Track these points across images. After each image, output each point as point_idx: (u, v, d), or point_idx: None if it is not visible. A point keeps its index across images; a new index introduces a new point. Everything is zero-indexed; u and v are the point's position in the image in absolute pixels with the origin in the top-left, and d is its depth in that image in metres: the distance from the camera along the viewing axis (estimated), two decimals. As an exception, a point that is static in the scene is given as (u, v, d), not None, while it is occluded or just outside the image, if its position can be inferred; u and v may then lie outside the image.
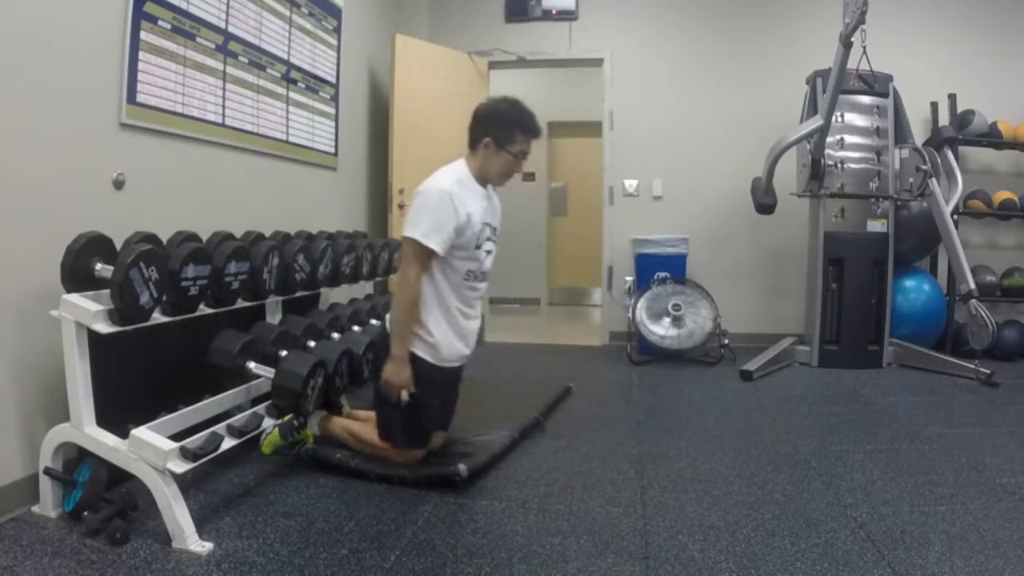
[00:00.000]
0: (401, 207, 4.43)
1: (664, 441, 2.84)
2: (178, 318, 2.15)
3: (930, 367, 4.20)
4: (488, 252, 2.41)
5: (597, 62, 5.33)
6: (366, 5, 4.52)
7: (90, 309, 1.87)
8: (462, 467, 2.28)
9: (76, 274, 1.96)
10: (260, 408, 2.38)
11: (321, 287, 3.06)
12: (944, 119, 4.86)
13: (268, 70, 3.25)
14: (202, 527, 1.92)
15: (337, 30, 3.97)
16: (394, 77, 4.54)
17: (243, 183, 3.10)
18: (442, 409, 2.48)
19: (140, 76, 2.41)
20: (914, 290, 4.52)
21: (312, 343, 2.73)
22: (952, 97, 4.86)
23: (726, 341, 4.54)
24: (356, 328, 3.11)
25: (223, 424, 2.19)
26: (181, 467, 1.90)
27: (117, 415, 2.00)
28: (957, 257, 3.99)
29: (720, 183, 5.12)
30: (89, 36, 2.22)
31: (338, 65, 3.98)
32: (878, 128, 4.40)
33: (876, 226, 4.37)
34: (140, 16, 2.40)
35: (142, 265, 1.91)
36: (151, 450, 1.87)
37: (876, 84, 4.26)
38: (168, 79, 2.56)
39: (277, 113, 3.35)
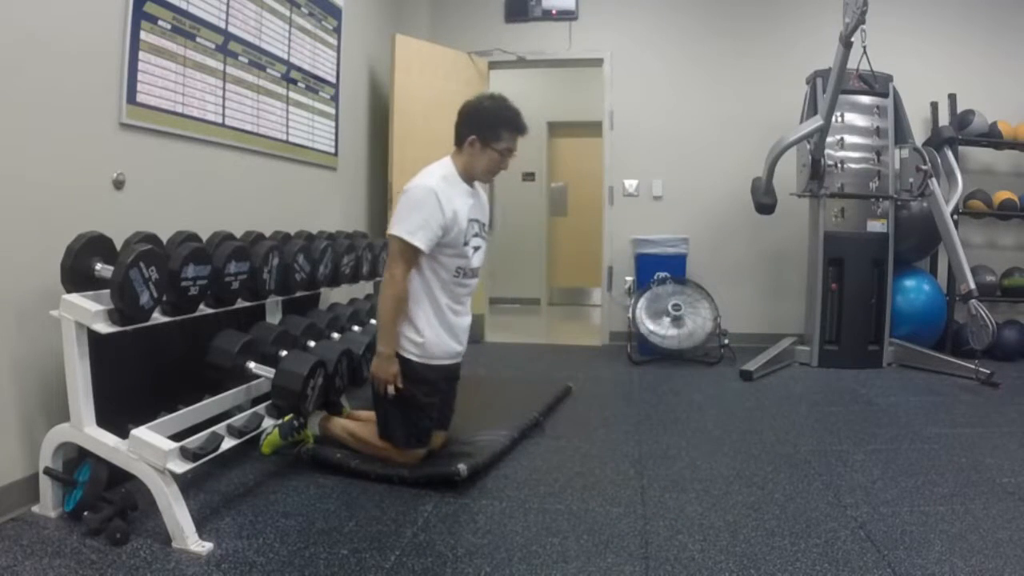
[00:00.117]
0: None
1: (664, 441, 2.84)
2: (178, 318, 2.15)
3: (930, 367, 4.20)
4: (476, 249, 2.42)
5: (597, 62, 5.33)
6: (366, 5, 4.52)
7: (90, 309, 1.87)
8: (462, 467, 2.28)
9: (76, 274, 1.96)
10: (260, 408, 2.38)
11: (321, 287, 3.06)
12: (944, 119, 4.86)
13: (268, 70, 3.25)
14: (202, 527, 1.92)
15: (337, 30, 3.97)
16: (394, 77, 4.54)
17: (243, 183, 3.10)
18: (441, 408, 2.48)
19: (140, 76, 2.41)
20: (914, 290, 4.52)
21: (312, 343, 2.73)
22: (952, 97, 4.86)
23: (726, 341, 4.53)
24: (356, 328, 3.11)
25: (223, 424, 2.19)
26: (181, 467, 1.90)
27: (117, 415, 2.00)
28: (957, 257, 3.99)
29: (720, 183, 5.12)
30: (89, 36, 2.22)
31: (338, 65, 3.98)
32: (878, 128, 4.40)
33: (876, 226, 4.37)
34: (140, 16, 2.40)
35: (142, 265, 1.91)
36: (151, 450, 1.87)
37: (876, 84, 4.26)
38: (168, 79, 2.56)
39: (277, 113, 3.35)
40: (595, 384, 3.92)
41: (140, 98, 2.42)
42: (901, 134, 4.45)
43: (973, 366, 3.89)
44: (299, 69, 3.54)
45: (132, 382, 2.21)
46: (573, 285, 7.88)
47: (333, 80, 3.94)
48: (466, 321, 2.49)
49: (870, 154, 4.39)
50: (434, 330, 2.36)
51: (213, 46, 2.82)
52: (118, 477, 1.96)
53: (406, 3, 5.23)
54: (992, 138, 4.72)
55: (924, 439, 2.87)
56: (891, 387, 3.83)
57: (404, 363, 2.35)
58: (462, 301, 2.44)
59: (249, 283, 2.47)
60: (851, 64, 3.87)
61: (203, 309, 2.28)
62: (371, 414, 2.50)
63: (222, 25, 2.87)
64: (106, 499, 1.93)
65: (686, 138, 5.20)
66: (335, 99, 3.98)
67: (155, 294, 1.98)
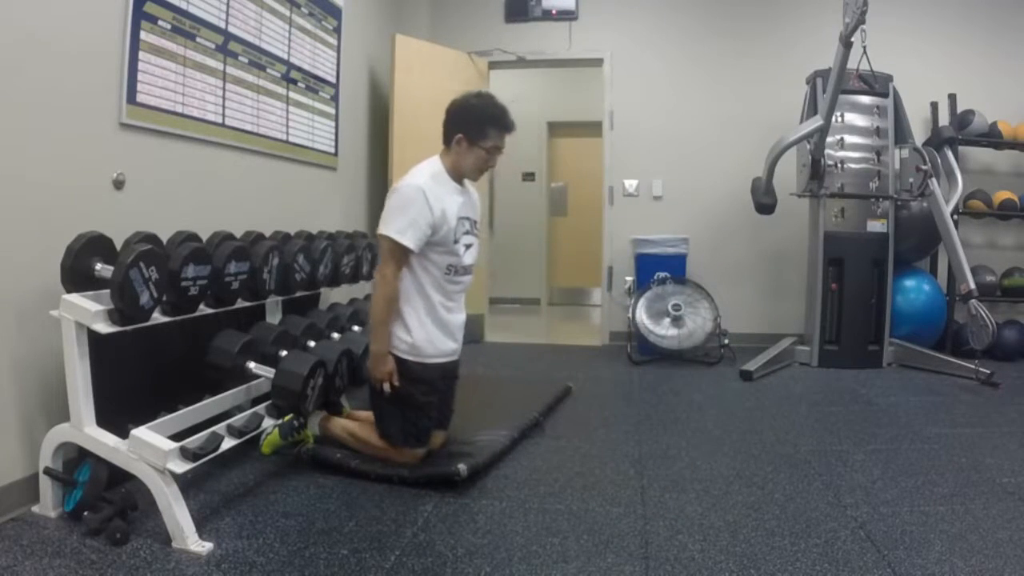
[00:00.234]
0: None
1: (664, 441, 2.84)
2: (178, 318, 2.15)
3: (930, 367, 4.20)
4: (467, 246, 2.42)
5: (597, 62, 5.33)
6: (366, 5, 4.52)
7: (90, 309, 1.87)
8: (462, 467, 2.28)
9: (76, 274, 1.96)
10: (260, 408, 2.38)
11: (321, 287, 3.06)
12: (944, 119, 4.86)
13: (268, 70, 3.25)
14: (202, 527, 1.92)
15: (337, 30, 3.97)
16: (394, 77, 4.54)
17: (243, 183, 3.10)
18: (440, 407, 2.48)
19: (140, 76, 2.41)
20: (914, 290, 4.52)
21: (312, 343, 2.73)
22: (952, 97, 4.86)
23: (726, 341, 4.53)
24: (356, 328, 3.11)
25: (223, 424, 2.19)
26: (181, 467, 1.90)
27: (117, 415, 2.00)
28: (957, 257, 3.98)
29: (720, 183, 5.12)
30: (89, 36, 2.22)
31: (338, 65, 3.99)
32: (878, 128, 4.40)
33: (876, 226, 4.37)
34: (140, 16, 2.40)
35: (142, 265, 1.91)
36: (151, 450, 1.87)
37: (876, 84, 4.26)
38: (168, 79, 2.56)
39: (277, 113, 3.35)
40: (595, 384, 3.92)
41: (140, 98, 2.42)
42: (901, 134, 4.45)
43: (973, 366, 3.89)
44: (299, 69, 3.54)
45: (132, 382, 2.21)
46: (573, 285, 7.88)
47: (333, 80, 3.94)
48: (460, 318, 2.50)
49: (870, 154, 4.39)
50: (426, 329, 2.36)
51: (213, 46, 2.82)
52: (118, 477, 1.96)
53: (406, 3, 5.23)
54: (992, 138, 4.72)
55: (924, 439, 2.87)
56: (891, 387, 3.83)
57: (400, 363, 2.35)
58: (455, 298, 2.45)
59: (249, 283, 2.48)
60: (851, 64, 3.87)
61: (203, 309, 2.28)
62: (371, 414, 2.50)
63: (222, 25, 2.87)
64: (106, 499, 1.93)
65: (686, 138, 5.20)
66: (335, 99, 3.98)
67: (155, 294, 1.98)
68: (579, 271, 7.65)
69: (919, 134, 4.73)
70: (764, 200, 4.45)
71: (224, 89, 2.90)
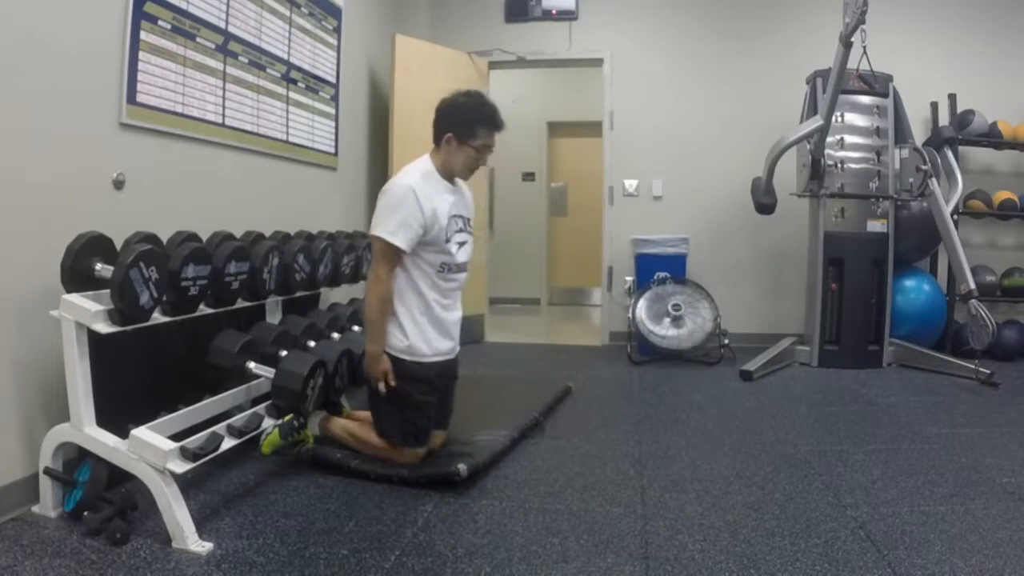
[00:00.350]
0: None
1: (664, 441, 2.84)
2: (178, 318, 2.15)
3: (930, 367, 4.20)
4: (460, 244, 2.42)
5: (597, 62, 5.33)
6: (366, 5, 4.52)
7: (90, 309, 1.87)
8: (462, 467, 2.28)
9: (76, 274, 1.96)
10: (260, 408, 2.38)
11: (321, 287, 3.06)
12: (944, 119, 4.86)
13: (268, 70, 3.25)
14: (202, 527, 1.92)
15: (337, 30, 3.97)
16: (394, 77, 4.54)
17: (243, 183, 3.10)
18: (439, 407, 2.49)
19: (140, 76, 2.41)
20: (914, 290, 4.52)
21: (312, 343, 2.73)
22: (952, 97, 4.86)
23: (726, 341, 4.53)
24: (356, 328, 3.11)
25: (223, 424, 2.19)
26: (181, 467, 1.90)
27: (117, 415, 2.00)
28: (957, 257, 3.98)
29: (720, 183, 5.12)
30: (89, 36, 2.22)
31: (338, 65, 3.99)
32: (878, 128, 4.40)
33: (876, 226, 4.37)
34: (140, 16, 2.40)
35: (142, 265, 1.91)
36: (151, 450, 1.87)
37: (876, 84, 4.26)
38: (168, 79, 2.56)
39: (277, 113, 3.35)
40: (595, 384, 3.92)
41: (140, 98, 2.42)
42: (901, 134, 4.45)
43: (973, 366, 3.89)
44: (299, 69, 3.54)
45: (132, 382, 2.21)
46: (573, 285, 7.88)
47: (333, 80, 3.94)
48: (456, 316, 2.50)
49: (870, 154, 4.39)
50: (421, 328, 2.37)
51: (213, 46, 2.82)
52: (118, 477, 1.96)
53: (406, 3, 5.23)
54: (992, 138, 4.72)
55: (924, 439, 2.87)
56: (891, 387, 3.83)
57: (397, 363, 2.35)
58: (450, 296, 2.45)
59: (249, 283, 2.48)
60: (851, 64, 3.87)
61: (203, 309, 2.28)
62: (371, 414, 2.50)
63: (222, 25, 2.87)
64: (106, 499, 1.93)
65: (686, 138, 5.20)
66: (335, 99, 3.98)
67: (155, 294, 1.98)
68: (579, 271, 7.65)
69: (919, 134, 4.73)
70: (764, 200, 4.45)
71: (224, 89, 2.90)
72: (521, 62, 5.37)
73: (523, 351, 5.03)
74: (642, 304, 4.59)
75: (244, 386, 2.41)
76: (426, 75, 4.66)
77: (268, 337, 2.55)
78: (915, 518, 2.06)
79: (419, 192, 2.27)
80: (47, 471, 1.97)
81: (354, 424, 2.56)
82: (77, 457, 2.03)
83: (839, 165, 4.36)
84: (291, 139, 3.49)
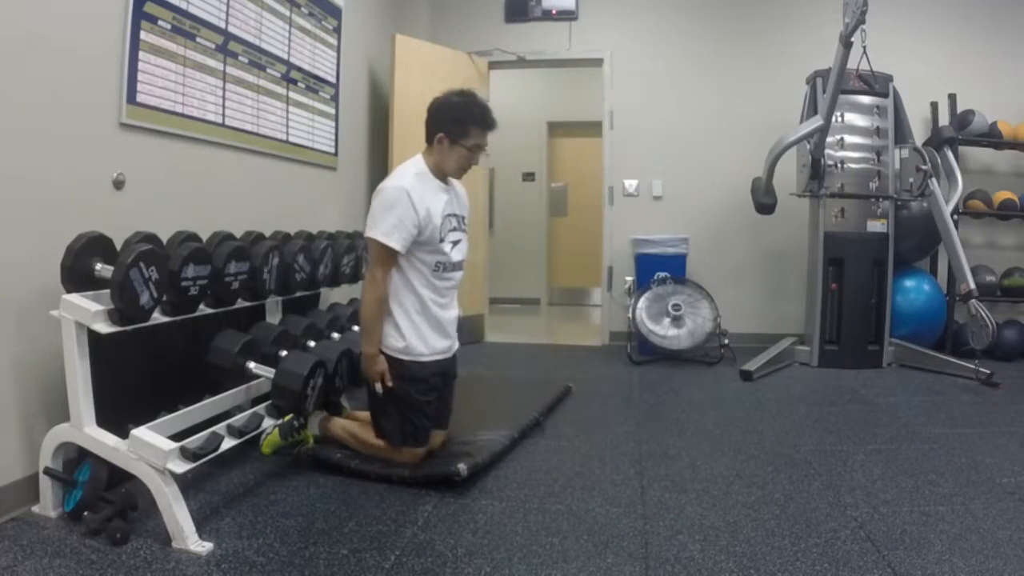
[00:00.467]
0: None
1: (664, 441, 2.84)
2: (178, 318, 2.15)
3: (930, 367, 4.20)
4: (455, 243, 2.42)
5: (597, 62, 5.33)
6: (366, 5, 4.52)
7: (90, 309, 1.87)
8: (462, 467, 2.28)
9: (76, 274, 1.96)
10: (260, 408, 2.38)
11: (321, 287, 3.06)
12: (944, 119, 4.86)
13: (268, 70, 3.25)
14: (202, 527, 1.92)
15: (337, 30, 3.97)
16: (394, 77, 4.54)
17: (243, 183, 3.10)
18: (438, 406, 2.49)
19: (140, 76, 2.41)
20: (914, 290, 4.52)
21: (312, 343, 2.73)
22: (952, 97, 4.86)
23: (726, 341, 4.53)
24: (356, 328, 3.11)
25: (223, 424, 2.19)
26: (181, 467, 1.90)
27: (117, 415, 2.00)
28: (957, 257, 3.98)
29: (720, 183, 5.12)
30: (89, 36, 2.22)
31: (338, 65, 3.98)
32: (878, 128, 4.40)
33: (876, 226, 4.37)
34: (140, 16, 2.40)
35: (142, 265, 1.91)
36: (151, 450, 1.87)
37: (876, 84, 4.26)
38: (168, 79, 2.56)
39: (277, 113, 3.35)
40: (595, 384, 3.92)
41: (140, 98, 2.42)
42: (901, 134, 4.45)
43: (973, 366, 3.89)
44: (299, 69, 3.54)
45: (132, 382, 2.21)
46: (573, 285, 7.88)
47: (333, 80, 3.94)
48: (452, 314, 2.50)
49: (870, 154, 4.39)
50: (418, 328, 2.37)
51: (213, 46, 2.82)
52: (118, 477, 1.96)
53: (406, 3, 5.23)
54: (992, 138, 4.72)
55: (924, 439, 2.87)
56: (891, 387, 3.83)
57: (395, 363, 2.35)
58: (446, 295, 2.45)
59: (249, 283, 2.48)
60: (851, 64, 3.87)
61: (203, 309, 2.28)
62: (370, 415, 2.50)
63: (222, 25, 2.87)
64: (106, 499, 1.93)
65: (686, 138, 5.20)
66: (335, 99, 3.98)
67: (155, 294, 1.98)
68: (579, 271, 7.66)
69: (919, 134, 4.73)
70: (764, 200, 4.45)
71: (224, 89, 2.90)
72: (521, 62, 5.37)
73: (523, 351, 5.03)
74: (642, 304, 4.59)
75: (244, 386, 2.41)
76: (426, 75, 4.65)
77: (268, 337, 2.55)
78: (915, 518, 2.06)
79: (413, 193, 2.27)
80: (47, 471, 1.97)
81: (354, 424, 2.56)
82: (77, 457, 2.03)
83: (839, 165, 4.36)
84: (291, 139, 3.49)
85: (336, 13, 3.96)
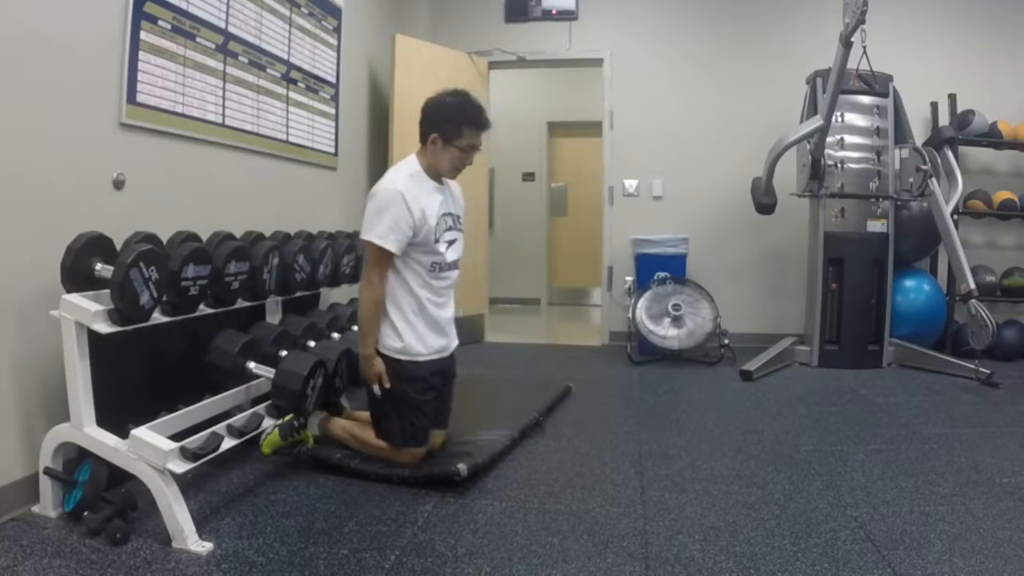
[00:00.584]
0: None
1: (664, 441, 2.84)
2: (178, 318, 2.15)
3: (930, 367, 4.20)
4: (450, 243, 2.43)
5: (597, 62, 5.33)
6: (366, 5, 4.52)
7: (90, 309, 1.87)
8: (462, 467, 2.28)
9: (76, 274, 1.96)
10: (260, 408, 2.38)
11: (321, 287, 3.06)
12: (944, 119, 4.86)
13: (268, 70, 3.25)
14: (202, 527, 1.92)
15: (337, 30, 3.97)
16: (394, 77, 4.54)
17: (243, 183, 3.10)
18: (437, 406, 2.49)
19: (140, 76, 2.41)
20: (914, 290, 4.52)
21: (312, 343, 2.73)
22: (952, 97, 4.86)
23: (726, 341, 4.53)
24: (356, 328, 3.10)
25: (223, 424, 2.19)
26: (181, 467, 1.90)
27: (117, 415, 2.00)
28: (957, 257, 3.98)
29: (720, 183, 5.12)
30: (89, 36, 2.22)
31: (338, 65, 3.99)
32: (878, 128, 4.40)
33: (876, 226, 4.37)
34: (140, 16, 2.40)
35: (142, 265, 1.91)
36: (151, 450, 1.87)
37: (876, 84, 4.26)
38: (168, 79, 2.56)
39: (277, 113, 3.35)
40: (595, 384, 3.91)
41: (140, 98, 2.42)
42: (901, 134, 4.45)
43: (973, 366, 3.89)
44: (299, 69, 3.54)
45: (132, 382, 2.21)
46: (573, 285, 7.88)
47: (333, 80, 3.94)
48: (448, 313, 2.50)
49: (870, 154, 4.39)
50: (415, 328, 2.37)
51: (213, 46, 2.82)
52: (118, 477, 1.96)
53: (406, 3, 5.23)
54: (992, 138, 4.72)
55: (924, 439, 2.87)
56: (891, 387, 3.83)
57: (394, 364, 2.36)
58: (443, 294, 2.46)
59: (249, 283, 2.48)
60: (851, 64, 3.87)
61: (203, 309, 2.28)
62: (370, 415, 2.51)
63: (222, 25, 2.87)
64: (106, 499, 1.93)
65: (686, 138, 5.20)
66: (335, 99, 3.98)
67: (155, 294, 1.98)
68: (579, 271, 7.65)
69: (919, 134, 4.73)
70: (764, 200, 4.45)
71: (224, 89, 2.90)
72: (521, 62, 5.37)
73: (523, 351, 5.03)
74: (642, 304, 4.59)
75: (244, 386, 2.41)
76: (426, 75, 4.65)
77: (268, 337, 2.55)
78: (915, 518, 2.06)
79: (407, 194, 2.27)
80: (47, 471, 1.97)
81: (354, 424, 2.56)
82: (77, 457, 2.03)
83: (839, 165, 4.36)
84: (291, 139, 3.49)
85: (336, 13, 3.96)
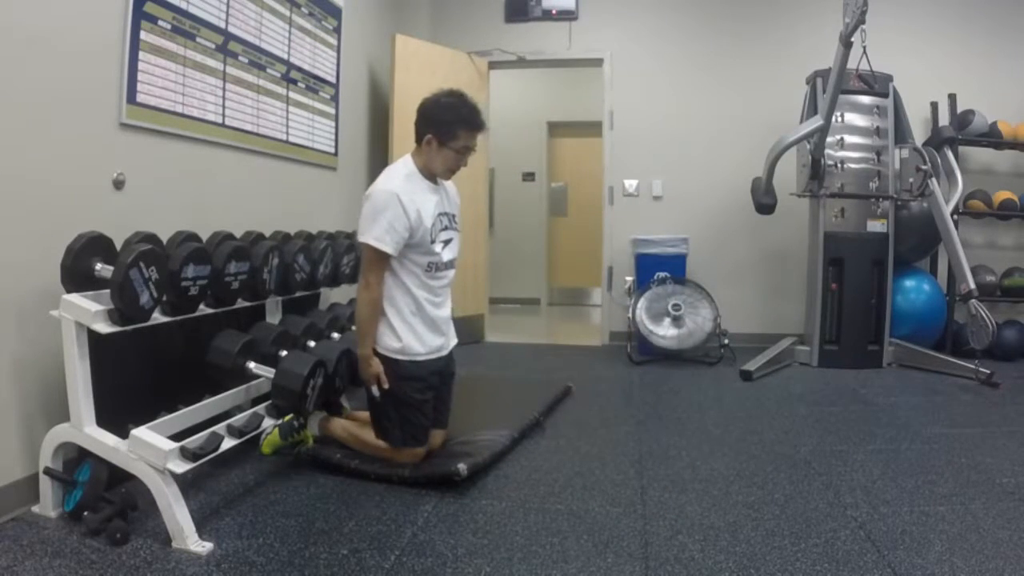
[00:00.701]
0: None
1: (664, 441, 2.84)
2: (178, 318, 2.15)
3: (930, 367, 4.20)
4: (446, 243, 2.43)
5: (597, 62, 5.33)
6: (366, 5, 4.52)
7: (90, 309, 1.87)
8: (462, 466, 2.28)
9: (76, 274, 1.96)
10: (260, 408, 2.38)
11: (321, 287, 3.06)
12: (944, 119, 4.86)
13: (268, 70, 3.25)
14: (202, 527, 1.92)
15: (337, 30, 3.97)
16: (394, 77, 4.54)
17: (243, 183, 3.10)
18: (437, 406, 2.49)
19: (140, 76, 2.41)
20: (914, 290, 4.52)
21: (312, 343, 2.73)
22: (952, 97, 4.86)
23: (726, 341, 4.53)
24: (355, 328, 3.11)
25: (223, 424, 2.19)
26: (181, 467, 1.90)
27: (117, 415, 2.00)
28: (957, 257, 3.99)
29: (720, 183, 5.12)
30: (89, 36, 2.22)
31: (338, 65, 3.98)
32: (878, 128, 4.40)
33: (876, 226, 4.37)
34: (140, 16, 2.40)
35: (142, 265, 1.91)
36: (151, 450, 1.87)
37: (876, 84, 4.26)
38: (168, 79, 2.56)
39: (277, 113, 3.35)
40: (595, 384, 3.91)
41: (140, 98, 2.42)
42: (901, 134, 4.45)
43: (973, 366, 3.89)
44: (299, 69, 3.54)
45: (132, 382, 2.21)
46: (573, 285, 7.88)
47: (333, 80, 3.94)
48: (446, 312, 2.51)
49: (870, 154, 4.39)
50: (413, 328, 2.38)
51: (213, 46, 2.82)
52: (118, 477, 1.96)
53: (406, 3, 5.23)
54: (992, 138, 4.72)
55: (924, 439, 2.87)
56: (891, 387, 3.83)
57: (393, 364, 2.36)
58: (440, 293, 2.46)
59: (249, 283, 2.48)
60: (851, 64, 3.87)
61: (203, 309, 2.28)
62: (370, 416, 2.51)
63: (222, 25, 2.87)
64: (106, 499, 1.93)
65: (686, 138, 5.20)
66: (335, 99, 3.98)
67: (155, 294, 1.98)
68: (579, 271, 7.65)
69: (919, 134, 4.73)
70: (764, 200, 4.45)
71: (224, 89, 2.90)
72: (521, 62, 5.37)
73: (523, 351, 5.03)
74: (642, 304, 4.59)
75: (244, 386, 2.41)
76: (426, 75, 4.65)
77: (268, 337, 2.55)
78: (915, 518, 2.06)
79: (403, 196, 2.27)
80: (47, 471, 1.97)
81: (354, 424, 2.56)
82: (77, 457, 2.03)
83: (839, 165, 4.36)
84: (291, 139, 3.49)
85: (336, 13, 3.96)
